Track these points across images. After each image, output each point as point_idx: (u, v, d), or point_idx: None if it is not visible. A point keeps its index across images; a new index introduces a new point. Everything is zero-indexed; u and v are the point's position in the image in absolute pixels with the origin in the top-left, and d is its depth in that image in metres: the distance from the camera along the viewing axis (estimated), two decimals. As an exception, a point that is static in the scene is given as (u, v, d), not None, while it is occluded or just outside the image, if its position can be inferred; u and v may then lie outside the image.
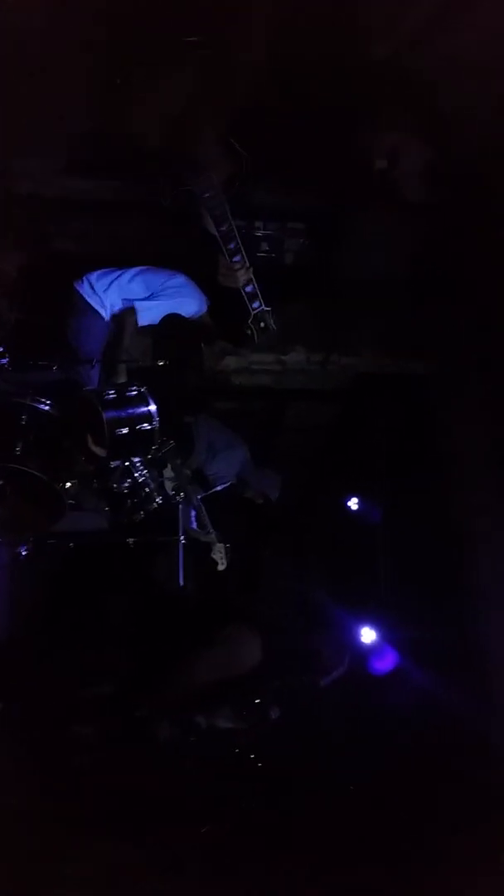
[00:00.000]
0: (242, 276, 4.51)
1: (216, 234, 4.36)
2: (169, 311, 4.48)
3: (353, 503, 5.88)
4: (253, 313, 4.63)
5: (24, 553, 4.11)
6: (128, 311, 4.34)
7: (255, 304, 4.62)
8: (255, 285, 4.59)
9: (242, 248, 4.45)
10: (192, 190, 4.27)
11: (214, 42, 3.99)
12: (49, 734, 4.40)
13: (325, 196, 5.05)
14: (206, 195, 4.23)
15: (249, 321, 4.64)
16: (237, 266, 4.46)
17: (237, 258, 4.44)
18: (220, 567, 4.70)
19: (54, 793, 4.14)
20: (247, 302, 4.60)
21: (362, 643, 5.09)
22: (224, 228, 4.34)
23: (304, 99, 4.31)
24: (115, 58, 4.04)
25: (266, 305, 4.65)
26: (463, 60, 4.03)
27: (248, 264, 4.51)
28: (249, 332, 4.68)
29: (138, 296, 4.37)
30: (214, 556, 4.68)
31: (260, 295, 4.61)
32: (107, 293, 4.32)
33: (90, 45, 4.00)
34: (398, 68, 4.15)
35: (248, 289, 4.57)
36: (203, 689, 4.64)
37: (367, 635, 5.10)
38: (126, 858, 3.96)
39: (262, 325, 4.68)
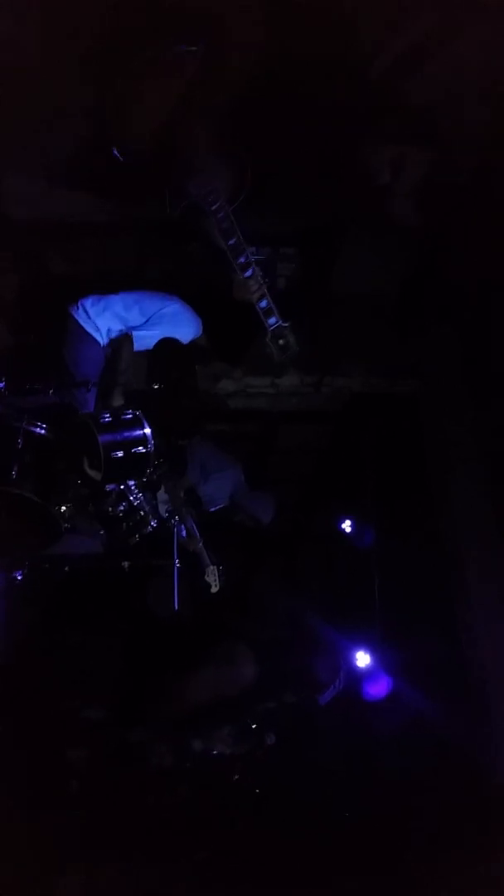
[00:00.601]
0: (256, 291, 4.34)
1: (225, 248, 4.26)
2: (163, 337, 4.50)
3: (347, 525, 5.88)
4: (270, 330, 4.40)
5: (19, 577, 4.09)
6: (124, 338, 4.35)
7: (272, 320, 4.37)
8: (270, 300, 4.36)
9: (254, 263, 4.30)
10: (197, 203, 4.22)
11: (212, 50, 4.01)
12: (42, 758, 4.37)
13: (318, 219, 5.09)
14: (213, 207, 4.19)
15: (268, 339, 4.42)
16: (250, 281, 4.31)
17: (249, 272, 4.30)
18: (214, 589, 4.69)
19: (47, 816, 4.11)
20: (263, 318, 4.39)
21: (357, 667, 5.07)
22: (233, 242, 4.24)
23: (301, 116, 4.33)
24: (111, 68, 4.05)
25: (284, 321, 4.39)
26: (460, 78, 4.09)
27: (260, 278, 4.34)
28: (268, 350, 4.44)
29: (134, 321, 4.38)
30: (207, 579, 4.66)
31: (276, 310, 4.38)
32: (101, 318, 4.34)
33: (85, 56, 4.01)
34: (397, 84, 4.18)
35: (263, 304, 4.36)
36: (198, 709, 4.62)
37: (362, 659, 5.08)
38: (120, 883, 3.93)
39: (282, 342, 4.41)
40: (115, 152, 4.27)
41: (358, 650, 5.09)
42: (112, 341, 4.33)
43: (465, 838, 4.23)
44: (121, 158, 4.27)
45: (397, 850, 4.27)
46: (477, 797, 4.45)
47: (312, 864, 4.20)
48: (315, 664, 5.17)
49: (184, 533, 4.55)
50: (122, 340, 4.29)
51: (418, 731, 4.74)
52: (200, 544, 4.59)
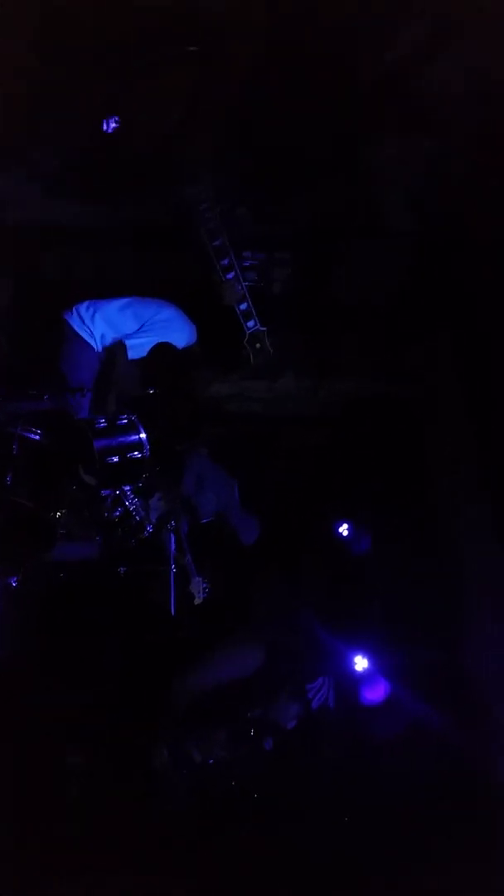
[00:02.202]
0: (237, 294, 4.51)
1: (210, 249, 4.39)
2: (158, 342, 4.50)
3: (344, 529, 5.86)
4: (248, 333, 4.60)
5: (14, 583, 4.07)
6: (117, 346, 4.35)
7: (251, 324, 4.59)
8: (250, 303, 4.58)
9: (237, 265, 4.46)
10: (187, 202, 4.28)
11: (208, 50, 4.03)
12: (40, 764, 4.35)
13: (313, 223, 5.09)
14: (202, 207, 4.25)
15: (245, 342, 4.61)
16: (231, 283, 4.48)
17: (230, 275, 4.46)
18: (197, 601, 4.67)
19: (44, 821, 4.10)
20: (241, 321, 4.58)
21: (355, 671, 5.05)
22: (218, 243, 4.38)
23: (299, 116, 4.34)
24: (106, 68, 4.05)
25: (262, 325, 4.61)
26: (459, 77, 4.09)
27: (242, 281, 4.52)
28: (245, 352, 4.63)
29: (128, 328, 4.39)
30: (191, 590, 4.65)
31: (255, 314, 4.59)
32: (95, 323, 4.34)
33: (82, 59, 4.01)
34: (396, 82, 4.19)
35: (243, 307, 4.56)
36: (202, 698, 4.61)
37: (360, 663, 5.05)
38: (118, 887, 3.92)
39: (258, 346, 4.62)
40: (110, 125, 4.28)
41: (356, 654, 5.07)
42: (106, 349, 4.34)
43: (465, 843, 4.21)
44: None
45: (396, 855, 4.25)
46: (477, 802, 4.44)
47: (310, 870, 4.19)
48: (307, 670, 5.14)
49: (173, 546, 4.56)
50: (117, 349, 4.29)
51: (417, 737, 4.72)
52: (188, 555, 4.59)
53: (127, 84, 4.15)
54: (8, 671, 4.39)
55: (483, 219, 4.73)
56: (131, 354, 4.31)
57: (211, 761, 4.57)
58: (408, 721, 4.75)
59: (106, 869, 3.99)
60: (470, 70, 4.15)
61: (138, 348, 4.34)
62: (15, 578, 4.08)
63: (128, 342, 4.31)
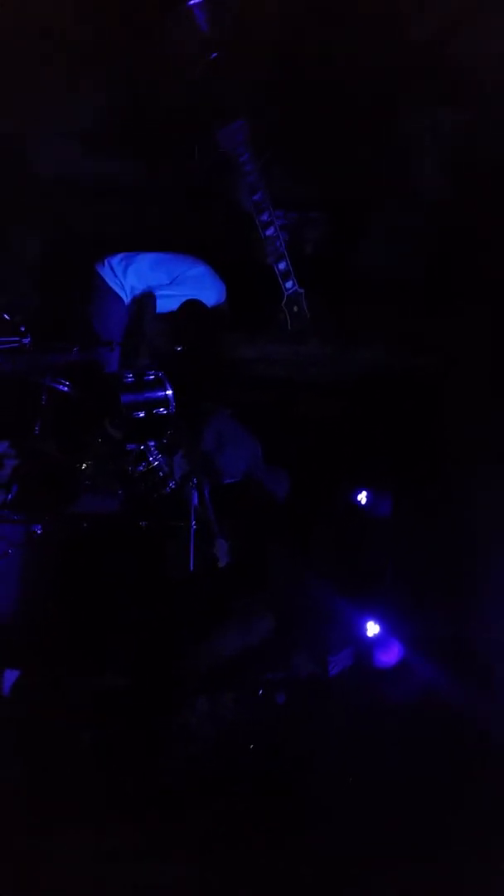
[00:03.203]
0: (276, 252, 4.38)
1: (249, 204, 4.28)
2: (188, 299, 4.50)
3: (363, 497, 5.88)
4: (286, 295, 4.46)
5: (38, 532, 4.13)
6: (147, 296, 4.36)
7: (289, 284, 4.45)
8: (289, 262, 4.42)
9: (276, 222, 4.32)
10: (226, 155, 4.19)
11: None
12: (52, 716, 4.43)
13: (349, 185, 5.04)
14: (242, 159, 4.17)
15: (283, 304, 4.47)
16: (271, 240, 4.35)
17: (270, 231, 4.33)
18: (220, 563, 4.71)
19: (53, 771, 4.18)
20: (280, 281, 4.44)
21: (367, 636, 5.10)
22: (258, 197, 4.26)
23: (336, 76, 4.25)
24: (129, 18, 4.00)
25: (300, 288, 4.45)
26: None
27: (280, 238, 4.37)
28: (283, 316, 4.50)
29: (159, 281, 4.38)
30: (215, 552, 4.69)
31: (293, 274, 4.43)
32: (127, 276, 4.34)
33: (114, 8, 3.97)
34: (436, 46, 4.10)
35: (282, 266, 4.43)
36: (217, 663, 4.68)
37: (372, 629, 5.11)
38: (123, 841, 4.00)
39: (296, 309, 4.49)
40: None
41: (368, 620, 5.12)
42: (135, 299, 4.34)
43: (472, 809, 4.26)
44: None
45: (401, 819, 4.30)
46: (485, 769, 4.48)
47: (316, 829, 4.25)
48: (324, 637, 5.19)
49: (196, 500, 4.59)
50: (146, 299, 4.29)
51: (429, 703, 4.77)
52: (211, 515, 4.61)
53: (160, 29, 4.09)
54: (28, 619, 4.47)
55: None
56: (161, 307, 4.31)
57: (220, 720, 4.65)
58: (420, 688, 4.80)
59: (111, 818, 4.07)
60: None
61: (168, 300, 4.34)
62: (39, 526, 4.14)
63: (158, 293, 4.30)
